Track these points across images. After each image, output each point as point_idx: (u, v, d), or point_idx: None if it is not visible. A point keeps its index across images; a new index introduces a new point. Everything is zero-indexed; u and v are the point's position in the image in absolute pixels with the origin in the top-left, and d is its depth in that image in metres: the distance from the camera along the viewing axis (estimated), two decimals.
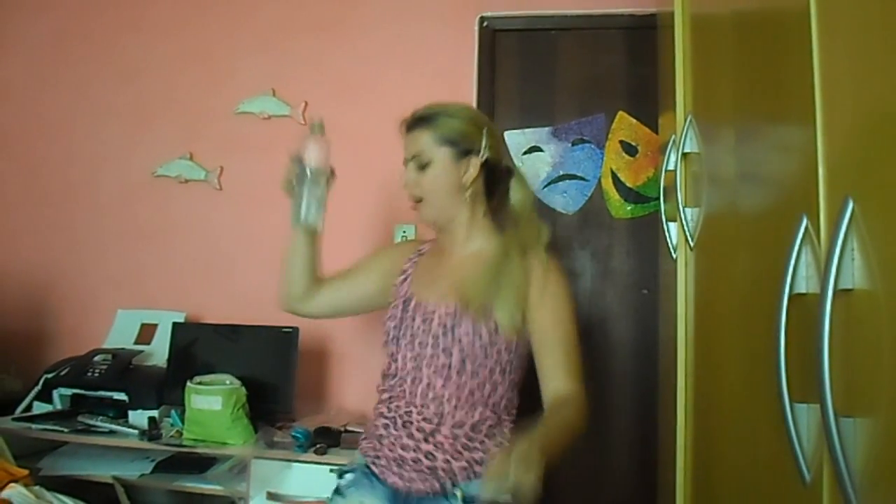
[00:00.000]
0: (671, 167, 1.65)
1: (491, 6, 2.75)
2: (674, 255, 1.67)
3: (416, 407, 1.52)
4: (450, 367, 1.50)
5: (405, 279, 1.66)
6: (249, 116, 2.87)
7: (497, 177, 1.66)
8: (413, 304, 1.59)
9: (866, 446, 0.77)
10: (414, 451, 1.50)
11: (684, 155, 1.60)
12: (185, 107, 2.96)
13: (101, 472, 2.25)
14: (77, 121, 3.06)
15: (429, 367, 1.52)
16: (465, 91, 2.72)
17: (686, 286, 1.61)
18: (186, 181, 2.91)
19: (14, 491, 1.85)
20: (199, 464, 2.25)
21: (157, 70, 3.01)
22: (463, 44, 2.75)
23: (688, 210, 1.58)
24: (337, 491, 1.59)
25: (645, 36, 2.46)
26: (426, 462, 1.49)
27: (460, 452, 1.49)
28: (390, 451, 1.53)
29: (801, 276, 0.91)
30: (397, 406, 1.55)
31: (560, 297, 1.56)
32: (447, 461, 1.49)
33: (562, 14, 2.72)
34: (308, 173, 1.61)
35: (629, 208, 2.67)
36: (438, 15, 2.78)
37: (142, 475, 2.24)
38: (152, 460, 2.30)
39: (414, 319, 1.57)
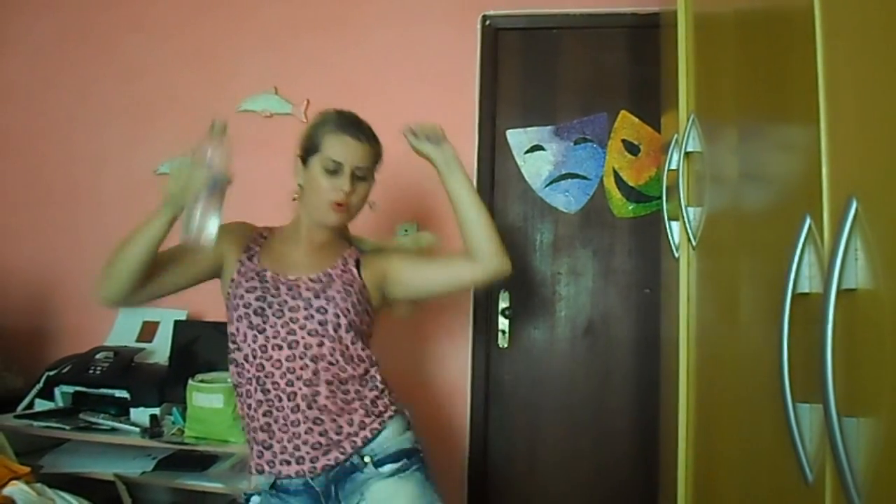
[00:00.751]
0: (674, 166, 1.65)
1: (493, 5, 2.75)
2: (676, 255, 1.67)
3: (294, 374, 1.54)
4: (325, 323, 1.55)
5: (252, 255, 1.66)
6: (251, 115, 2.87)
7: None
8: (269, 275, 1.61)
9: (869, 446, 0.77)
10: (304, 422, 1.53)
11: (687, 154, 1.59)
12: (187, 105, 2.96)
13: (103, 469, 2.25)
14: (79, 119, 3.06)
15: (303, 329, 1.55)
16: (467, 89, 2.72)
17: (688, 286, 1.61)
18: None
19: (16, 488, 1.85)
20: (200, 461, 2.25)
21: (159, 69, 3.01)
22: (465, 42, 2.75)
23: (690, 209, 1.57)
24: None
25: (648, 35, 2.46)
26: (317, 429, 1.54)
27: (342, 408, 1.56)
28: (284, 433, 1.54)
29: (804, 275, 0.91)
30: (275, 383, 1.54)
31: (394, 250, 1.80)
32: (333, 419, 1.55)
33: (564, 13, 2.72)
34: (209, 179, 1.43)
35: (631, 207, 2.67)
36: (441, 13, 2.78)
37: (143, 473, 2.24)
38: (154, 458, 2.30)
39: (278, 289, 1.59)
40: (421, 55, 2.79)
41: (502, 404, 2.68)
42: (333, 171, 1.62)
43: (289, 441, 1.55)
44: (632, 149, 2.68)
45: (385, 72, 2.81)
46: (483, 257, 1.63)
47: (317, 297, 1.58)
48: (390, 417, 1.61)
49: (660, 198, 1.85)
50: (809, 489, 0.88)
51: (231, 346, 1.63)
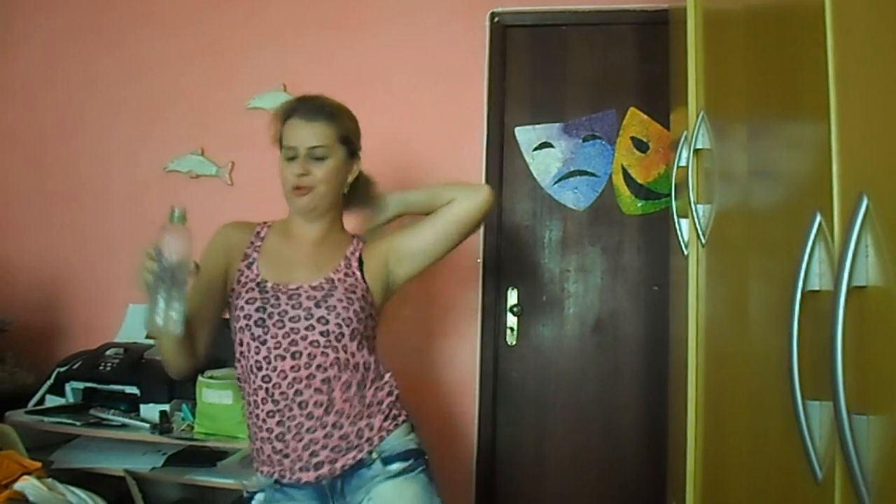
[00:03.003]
0: (683, 163, 1.65)
1: (502, 2, 2.74)
2: (685, 252, 1.66)
3: (302, 383, 1.53)
4: (327, 334, 1.54)
5: (251, 263, 1.65)
6: (261, 112, 2.86)
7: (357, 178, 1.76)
8: (270, 285, 1.59)
9: (879, 444, 0.76)
10: (321, 427, 1.53)
11: (696, 151, 1.59)
12: (196, 102, 2.97)
13: (113, 465, 2.26)
14: (88, 117, 3.07)
15: (304, 339, 1.53)
16: (475, 86, 2.71)
17: (697, 283, 1.60)
18: (197, 176, 2.91)
19: (27, 483, 1.87)
20: (210, 457, 2.26)
21: (167, 66, 3.02)
22: (474, 39, 2.74)
23: (699, 207, 1.57)
24: None
25: (656, 31, 2.46)
26: (337, 433, 1.54)
27: (362, 412, 1.56)
28: (298, 442, 1.53)
29: (815, 272, 0.91)
30: (283, 393, 1.53)
31: (390, 234, 1.74)
32: (353, 423, 1.55)
33: (573, 9, 2.71)
34: (167, 270, 1.40)
35: (640, 205, 2.66)
36: (449, 10, 2.78)
37: (153, 468, 2.25)
38: (164, 454, 2.31)
39: (278, 298, 1.57)
40: (429, 52, 2.79)
41: (510, 401, 2.68)
42: (292, 157, 1.62)
43: (304, 449, 1.53)
44: (641, 146, 2.67)
45: (393, 69, 2.81)
46: (464, 189, 1.67)
47: (318, 306, 1.56)
48: (403, 421, 1.63)
49: (669, 195, 1.84)
50: (819, 487, 0.88)
51: (237, 355, 1.62)
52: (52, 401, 2.55)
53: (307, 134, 1.62)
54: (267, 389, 1.54)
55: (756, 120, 1.25)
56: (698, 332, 1.59)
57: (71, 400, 2.53)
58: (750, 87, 1.28)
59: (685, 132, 1.66)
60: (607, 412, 2.63)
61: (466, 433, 2.66)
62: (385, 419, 1.59)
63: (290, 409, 1.53)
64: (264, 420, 1.56)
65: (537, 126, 2.74)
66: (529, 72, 2.77)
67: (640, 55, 2.70)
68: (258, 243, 1.69)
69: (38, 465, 1.97)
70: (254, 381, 1.56)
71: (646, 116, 2.67)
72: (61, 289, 2.99)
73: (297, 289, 1.58)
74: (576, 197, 2.70)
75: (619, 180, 2.68)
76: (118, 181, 3.02)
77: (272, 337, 1.54)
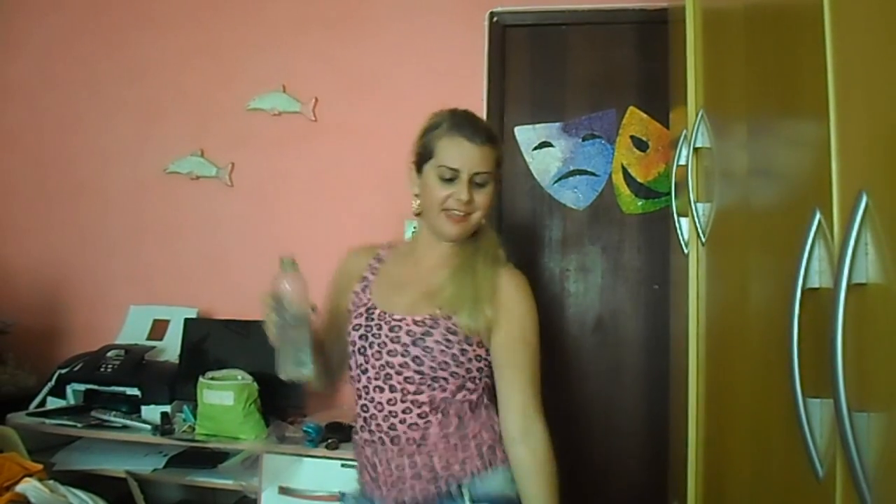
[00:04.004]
0: (682, 162, 1.65)
1: (501, 1, 2.74)
2: (685, 251, 1.66)
3: (397, 417, 1.47)
4: (422, 374, 1.45)
5: (365, 287, 1.60)
6: (260, 113, 2.88)
7: None
8: (377, 313, 1.53)
9: (880, 441, 0.76)
10: (411, 467, 1.46)
11: (696, 150, 1.59)
12: (195, 103, 2.97)
13: (115, 466, 2.27)
14: (87, 117, 3.08)
15: (399, 374, 1.46)
16: (475, 86, 2.71)
17: (697, 281, 1.60)
18: (197, 177, 2.92)
19: (29, 485, 1.87)
20: (211, 458, 2.26)
21: (167, 67, 3.02)
22: (473, 39, 2.74)
23: (699, 205, 1.57)
24: None
25: (656, 30, 2.45)
26: (426, 473, 1.46)
27: (455, 454, 1.47)
28: (388, 474, 1.48)
29: (815, 270, 0.91)
30: (378, 425, 1.48)
31: (526, 317, 1.53)
32: (447, 463, 1.46)
33: (572, 9, 2.71)
34: (288, 318, 1.44)
35: (640, 204, 2.66)
36: (448, 10, 2.78)
37: (154, 469, 2.25)
38: (165, 455, 2.32)
39: (381, 328, 1.50)
40: (428, 52, 2.79)
41: None
42: (450, 178, 1.48)
43: (391, 478, 1.48)
44: (640, 145, 2.67)
45: (393, 69, 2.81)
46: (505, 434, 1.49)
47: (415, 344, 1.46)
48: (503, 462, 1.49)
49: (668, 194, 1.84)
50: (820, 484, 0.88)
51: (349, 378, 1.59)
52: (54, 403, 2.55)
53: (474, 157, 1.49)
54: (365, 419, 1.51)
55: (756, 118, 1.26)
56: (699, 331, 1.59)
57: (72, 402, 2.53)
58: (749, 86, 1.28)
59: (685, 131, 1.66)
60: (608, 411, 2.63)
61: None
62: (479, 458, 1.48)
63: (384, 443, 1.48)
64: (362, 447, 1.53)
65: (537, 125, 2.74)
66: (529, 71, 2.77)
67: (639, 54, 2.70)
68: (377, 265, 1.63)
69: (40, 466, 1.98)
70: (356, 407, 1.54)
71: (645, 115, 2.67)
72: (62, 291, 2.99)
73: (401, 321, 1.49)
74: (576, 196, 2.70)
75: (618, 179, 2.68)
76: (118, 182, 3.02)
77: (371, 367, 1.49)
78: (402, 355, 1.46)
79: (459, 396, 1.48)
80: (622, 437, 2.61)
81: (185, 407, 2.39)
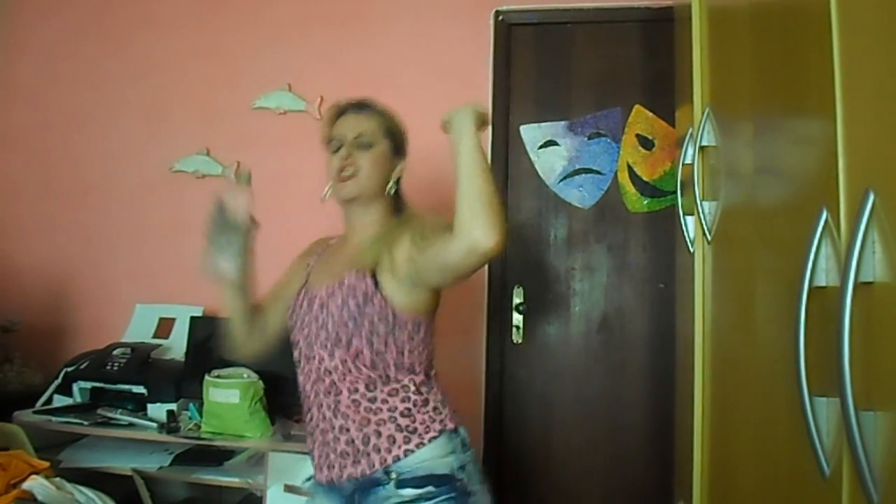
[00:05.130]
0: (688, 161, 1.64)
1: (506, 0, 2.74)
2: (691, 249, 1.66)
3: (321, 383, 1.55)
4: (329, 339, 1.54)
5: (309, 272, 1.70)
6: (266, 112, 2.88)
7: (399, 193, 1.70)
8: (303, 291, 1.65)
9: (886, 440, 0.76)
10: (332, 430, 1.53)
11: (702, 148, 1.59)
12: (201, 102, 2.98)
13: (121, 464, 2.27)
14: (92, 117, 3.09)
15: (316, 342, 1.56)
16: (480, 85, 2.71)
17: (703, 280, 1.60)
18: (203, 176, 2.92)
19: (35, 482, 1.88)
20: (216, 456, 2.27)
21: (172, 66, 3.03)
22: (478, 37, 2.74)
23: (705, 204, 1.57)
24: None
25: (661, 29, 2.45)
26: (343, 438, 1.51)
27: (367, 418, 1.50)
28: (321, 436, 1.56)
29: (821, 269, 0.91)
30: (306, 392, 1.59)
31: (409, 230, 1.54)
32: (359, 429, 1.50)
33: (577, 7, 2.71)
34: (227, 223, 1.59)
35: (645, 202, 2.66)
36: (454, 8, 2.78)
37: (161, 467, 2.26)
38: (171, 453, 2.32)
39: (303, 306, 1.62)
40: (434, 51, 2.79)
41: (517, 400, 2.68)
42: (336, 149, 1.63)
43: (321, 447, 1.56)
44: (646, 143, 2.67)
45: (398, 68, 2.81)
46: (461, 228, 1.33)
47: (321, 309, 1.57)
48: (432, 438, 1.48)
49: (674, 192, 1.84)
50: (826, 483, 0.88)
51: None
52: (60, 400, 2.56)
53: (352, 123, 1.64)
54: (302, 388, 1.61)
55: (762, 116, 1.25)
56: (704, 330, 1.58)
57: (78, 400, 2.54)
58: (755, 84, 1.28)
59: (691, 129, 1.65)
60: (613, 410, 2.63)
61: (473, 432, 2.61)
62: (399, 429, 1.48)
63: (310, 410, 1.58)
64: (306, 421, 1.62)
65: (542, 124, 2.74)
66: (534, 70, 2.77)
67: (644, 53, 2.70)
68: (322, 251, 1.75)
69: (47, 464, 1.98)
70: (298, 382, 1.64)
71: (651, 114, 2.67)
72: (68, 289, 3.00)
73: (315, 296, 1.60)
74: (581, 195, 2.70)
75: (624, 178, 2.68)
76: (124, 181, 3.03)
77: (298, 341, 1.61)
78: (316, 321, 1.57)
79: (364, 358, 1.52)
80: (628, 435, 2.61)
81: (190, 405, 2.39)
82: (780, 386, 1.05)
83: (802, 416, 0.90)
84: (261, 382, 2.28)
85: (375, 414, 1.51)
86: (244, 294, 1.69)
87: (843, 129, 0.87)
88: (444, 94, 2.76)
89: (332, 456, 1.53)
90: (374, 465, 1.48)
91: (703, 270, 1.61)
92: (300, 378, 1.62)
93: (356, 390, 1.53)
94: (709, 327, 1.57)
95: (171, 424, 2.31)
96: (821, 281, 0.91)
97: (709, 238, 1.55)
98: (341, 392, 1.53)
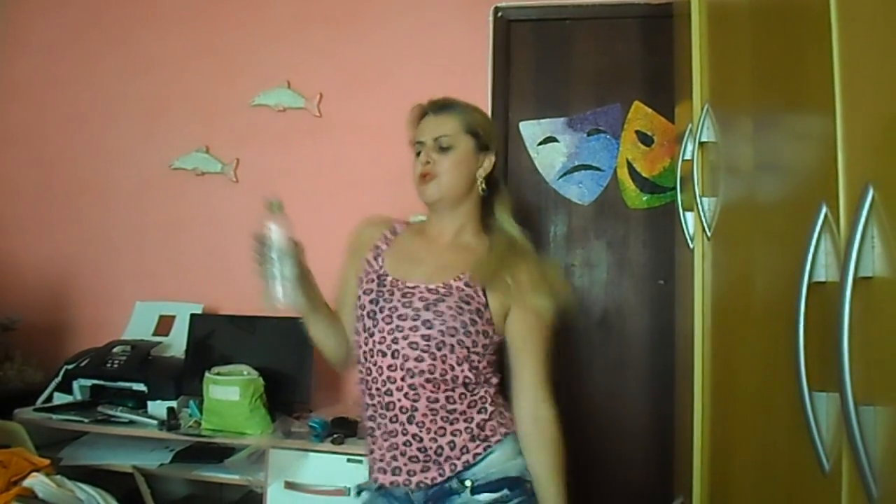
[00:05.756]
0: (688, 157, 1.64)
1: None
2: (691, 245, 1.66)
3: (394, 384, 1.48)
4: (429, 339, 1.47)
5: (377, 255, 1.64)
6: (265, 109, 2.88)
7: (493, 183, 1.68)
8: (389, 279, 1.57)
9: (886, 435, 0.76)
10: (402, 434, 1.48)
11: (701, 144, 1.59)
12: (200, 100, 2.98)
13: (121, 461, 2.27)
14: (92, 115, 3.08)
15: (405, 339, 1.48)
16: (479, 81, 2.71)
17: (703, 276, 1.60)
18: (203, 174, 2.92)
19: (36, 480, 1.88)
20: (217, 453, 2.27)
21: (171, 63, 3.03)
22: (477, 34, 2.74)
23: (705, 199, 1.57)
24: None
25: (661, 25, 2.44)
26: (415, 444, 1.48)
27: (443, 428, 1.48)
28: (388, 439, 1.50)
29: (821, 264, 0.91)
30: (377, 389, 1.50)
31: (544, 305, 1.54)
32: (433, 438, 1.47)
33: (577, 3, 2.71)
34: (272, 254, 1.52)
35: (645, 198, 2.66)
36: (453, 5, 2.78)
37: (161, 465, 2.26)
38: (171, 450, 2.33)
39: (392, 294, 1.53)
40: (433, 47, 2.79)
41: None
42: (418, 152, 1.61)
43: (388, 450, 1.51)
44: (645, 139, 2.67)
45: (397, 64, 2.81)
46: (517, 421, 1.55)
47: (427, 308, 1.49)
48: (498, 441, 1.51)
49: (674, 188, 1.84)
50: (826, 478, 0.88)
51: (354, 342, 1.62)
52: (61, 398, 2.56)
53: (433, 125, 1.62)
54: (367, 383, 1.53)
55: (761, 112, 1.25)
56: (704, 326, 1.59)
57: (79, 397, 2.54)
58: (755, 80, 1.28)
59: (690, 125, 1.65)
60: (613, 406, 2.63)
61: None
62: (472, 439, 1.49)
63: (380, 408, 1.51)
64: (365, 413, 1.56)
65: (542, 121, 2.74)
66: (533, 66, 2.77)
67: (644, 49, 2.69)
68: (391, 237, 1.68)
69: (47, 462, 1.98)
70: (361, 372, 1.56)
71: (650, 110, 2.67)
72: (68, 287, 3.01)
73: (414, 288, 1.53)
74: (581, 191, 2.70)
75: (623, 174, 2.68)
76: (123, 179, 3.03)
77: (379, 331, 1.51)
78: (413, 319, 1.48)
79: (459, 370, 1.49)
80: (627, 431, 2.61)
81: (191, 402, 2.39)
82: (779, 381, 1.05)
83: (802, 411, 0.90)
84: (261, 380, 2.28)
85: (452, 424, 1.49)
86: (319, 313, 1.62)
87: (842, 125, 0.87)
88: (444, 90, 2.73)
89: (400, 460, 1.50)
90: (444, 473, 1.48)
91: (702, 266, 1.61)
92: (365, 372, 1.53)
93: (436, 400, 1.48)
94: (708, 323, 1.57)
95: (171, 422, 2.31)
96: (820, 276, 0.91)
97: (708, 234, 1.55)
98: (419, 399, 1.47)
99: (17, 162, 3.14)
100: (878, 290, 0.78)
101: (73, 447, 2.39)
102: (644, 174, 2.66)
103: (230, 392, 2.23)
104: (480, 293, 1.51)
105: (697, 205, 1.57)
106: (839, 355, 0.78)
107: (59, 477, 1.94)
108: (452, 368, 1.48)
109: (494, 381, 1.56)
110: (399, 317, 1.50)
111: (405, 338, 1.48)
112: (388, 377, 1.48)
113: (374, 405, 1.51)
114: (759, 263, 1.25)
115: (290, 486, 2.13)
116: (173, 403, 2.41)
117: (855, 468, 0.77)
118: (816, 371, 0.89)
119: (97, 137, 3.07)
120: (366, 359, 1.53)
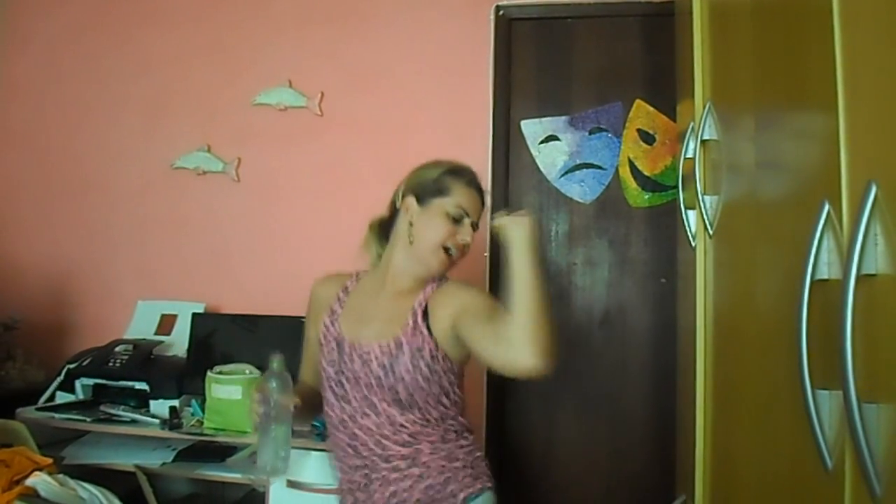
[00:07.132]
0: (689, 155, 1.64)
1: None
2: (692, 244, 1.66)
3: (389, 440, 1.54)
4: (399, 400, 1.53)
5: (334, 320, 1.67)
6: (266, 108, 2.88)
7: None
8: (347, 344, 1.61)
9: (889, 433, 0.76)
10: (407, 478, 1.54)
11: (703, 142, 1.58)
12: (202, 99, 2.98)
13: (124, 460, 2.28)
14: (93, 114, 3.09)
15: (383, 401, 1.55)
16: (481, 80, 2.71)
17: (705, 275, 1.60)
18: (204, 173, 2.92)
19: (38, 479, 1.88)
20: (219, 452, 2.27)
21: (173, 62, 3.03)
22: (478, 33, 2.74)
23: (707, 198, 1.56)
24: None
25: (662, 23, 2.45)
26: (421, 484, 1.54)
27: (444, 466, 1.55)
28: (384, 489, 1.55)
29: (823, 262, 0.91)
30: (370, 449, 1.56)
31: (464, 292, 1.61)
32: (440, 472, 1.55)
33: (578, 2, 2.71)
34: (272, 412, 1.54)
35: (647, 197, 2.66)
36: (454, 4, 2.78)
37: (163, 464, 2.27)
38: (173, 449, 2.33)
39: (353, 361, 1.59)
40: (434, 46, 2.79)
41: (518, 395, 2.69)
42: (458, 219, 1.62)
43: (390, 497, 1.55)
44: (647, 138, 2.67)
45: (398, 63, 2.81)
46: (508, 342, 1.36)
47: (386, 374, 1.54)
48: (489, 488, 1.59)
49: (675, 187, 1.83)
50: (829, 476, 0.88)
51: (325, 407, 1.65)
52: (63, 397, 2.57)
53: (478, 208, 1.66)
54: (354, 447, 1.58)
55: (763, 110, 1.25)
56: (706, 324, 1.58)
57: (81, 396, 2.55)
58: (757, 77, 1.28)
59: (692, 123, 1.65)
60: (615, 405, 2.64)
61: (475, 426, 2.65)
62: (470, 478, 1.57)
63: (376, 463, 1.56)
64: (351, 472, 1.60)
65: (543, 119, 2.74)
66: (535, 65, 2.77)
67: (645, 47, 2.69)
68: (343, 297, 1.71)
69: (50, 461, 1.99)
70: (341, 436, 1.60)
71: (652, 108, 2.67)
72: (69, 286, 3.01)
73: (369, 353, 1.57)
74: (582, 190, 2.70)
75: (625, 173, 2.68)
76: (125, 178, 3.03)
77: (353, 398, 1.58)
78: (378, 386, 1.55)
79: (436, 413, 1.57)
80: (629, 429, 2.61)
81: (193, 401, 2.40)
82: (782, 379, 1.05)
83: (805, 409, 0.90)
84: None
85: (452, 462, 1.57)
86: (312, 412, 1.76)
87: (844, 122, 0.87)
88: (445, 89, 2.76)
89: (404, 496, 1.55)
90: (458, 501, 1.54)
91: (704, 264, 1.60)
92: (345, 435, 1.58)
93: (434, 441, 1.56)
94: (710, 321, 1.57)
95: (173, 421, 2.32)
96: (823, 274, 0.91)
97: (710, 232, 1.55)
98: (420, 443, 1.55)
99: (19, 161, 3.14)
100: (881, 288, 0.78)
101: (75, 446, 2.39)
102: (646, 172, 2.66)
103: (232, 391, 2.24)
104: (427, 334, 1.55)
105: (699, 203, 1.57)
106: (842, 353, 0.77)
107: (61, 476, 1.94)
108: (431, 412, 1.56)
109: (461, 412, 1.66)
110: (366, 385, 1.57)
111: (382, 399, 1.55)
112: (381, 435, 1.55)
113: (367, 463, 1.57)
114: (761, 261, 1.25)
115: (292, 484, 2.13)
116: (175, 402, 2.41)
117: (858, 466, 0.77)
118: (819, 369, 0.89)
119: (98, 136, 3.07)
120: (344, 425, 1.59)
